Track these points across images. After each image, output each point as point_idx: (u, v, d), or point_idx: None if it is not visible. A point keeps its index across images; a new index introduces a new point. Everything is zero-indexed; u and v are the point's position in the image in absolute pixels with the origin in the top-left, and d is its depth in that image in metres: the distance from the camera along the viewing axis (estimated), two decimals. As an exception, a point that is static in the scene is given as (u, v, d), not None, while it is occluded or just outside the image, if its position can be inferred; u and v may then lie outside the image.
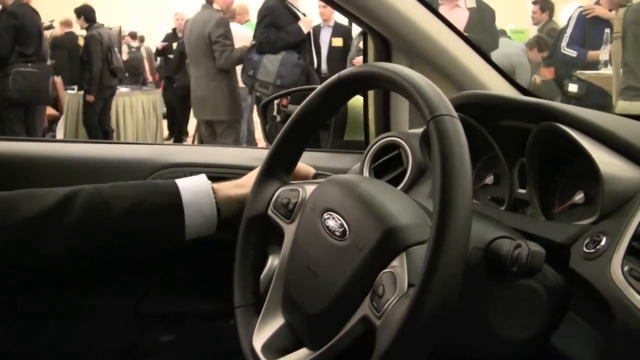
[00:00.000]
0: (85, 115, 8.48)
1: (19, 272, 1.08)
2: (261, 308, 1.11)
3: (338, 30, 7.96)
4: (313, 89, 1.14)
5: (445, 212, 0.79)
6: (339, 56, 7.79)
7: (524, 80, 7.04)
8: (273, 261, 1.40)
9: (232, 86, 6.36)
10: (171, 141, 10.51)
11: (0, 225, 1.06)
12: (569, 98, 6.42)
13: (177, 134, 10.47)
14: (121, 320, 1.49)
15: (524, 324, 0.94)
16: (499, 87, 1.49)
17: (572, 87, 6.23)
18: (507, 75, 1.53)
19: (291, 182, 1.21)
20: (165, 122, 10.58)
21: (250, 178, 1.22)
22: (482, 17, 6.15)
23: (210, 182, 1.22)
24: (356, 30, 7.67)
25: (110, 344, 1.48)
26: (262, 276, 1.28)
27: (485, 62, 1.51)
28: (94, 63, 8.08)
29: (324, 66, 7.53)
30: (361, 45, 7.54)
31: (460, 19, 5.70)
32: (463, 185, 0.80)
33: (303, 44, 5.96)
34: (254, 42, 6.04)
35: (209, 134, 6.75)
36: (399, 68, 0.96)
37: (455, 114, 0.86)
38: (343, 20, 7.64)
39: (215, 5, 6.54)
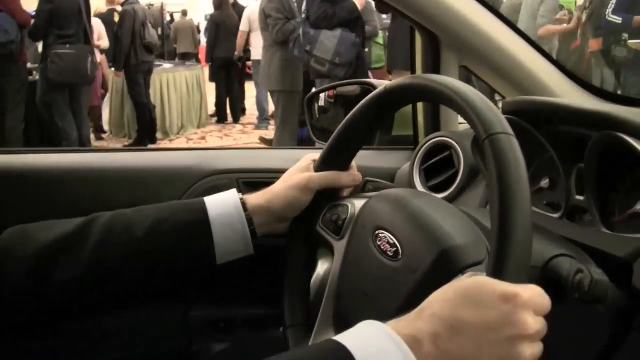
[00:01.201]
0: (131, 92, 8.58)
1: (41, 298, 1.05)
2: (312, 326, 1.09)
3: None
4: (362, 83, 1.11)
5: (504, 235, 0.76)
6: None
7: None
8: (322, 266, 1.38)
9: (285, 57, 6.40)
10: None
11: (19, 254, 1.04)
12: (616, 64, 6.35)
13: (218, 108, 10.50)
14: (170, 329, 1.49)
15: (584, 344, 0.91)
16: (560, 85, 1.44)
17: (620, 52, 6.20)
18: (569, 72, 1.47)
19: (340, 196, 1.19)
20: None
21: (277, 183, 1.17)
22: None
23: (240, 194, 1.15)
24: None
25: (159, 354, 1.48)
26: (312, 281, 1.26)
27: (543, 57, 1.46)
28: (122, 39, 8.19)
29: None
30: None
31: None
32: (522, 208, 0.77)
33: (355, 21, 5.92)
34: (305, 15, 6.02)
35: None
36: (450, 81, 0.92)
37: (510, 131, 0.83)
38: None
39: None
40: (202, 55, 12.36)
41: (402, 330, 0.75)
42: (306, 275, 1.19)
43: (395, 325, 0.76)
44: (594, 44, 6.73)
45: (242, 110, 10.95)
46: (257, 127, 9.75)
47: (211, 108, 10.63)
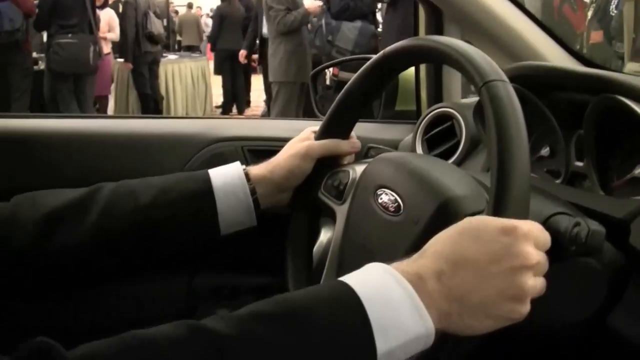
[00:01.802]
0: (136, 84, 8.58)
1: (48, 263, 1.07)
2: None
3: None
4: (362, 59, 1.13)
5: (503, 174, 0.79)
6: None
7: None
8: (325, 234, 1.40)
9: (289, 49, 6.41)
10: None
11: (27, 219, 1.06)
12: (618, 58, 6.47)
13: (225, 98, 10.49)
14: (174, 296, 1.51)
15: (581, 302, 0.92)
16: (557, 57, 1.45)
17: (620, 46, 6.29)
18: (566, 45, 1.49)
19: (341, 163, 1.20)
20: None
21: (279, 154, 1.19)
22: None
23: (243, 166, 1.17)
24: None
25: (163, 320, 1.50)
26: (314, 249, 1.28)
27: (543, 31, 1.47)
28: (126, 29, 8.21)
29: (265, 30, 7.47)
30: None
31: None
32: (520, 147, 0.80)
33: (373, 15, 6.04)
34: (323, 6, 6.13)
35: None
36: (445, 39, 0.95)
37: (506, 78, 0.85)
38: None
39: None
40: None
41: (406, 269, 0.77)
42: (309, 241, 1.22)
43: (399, 266, 0.78)
44: (596, 36, 6.83)
45: (247, 103, 10.94)
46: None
47: (216, 100, 10.62)
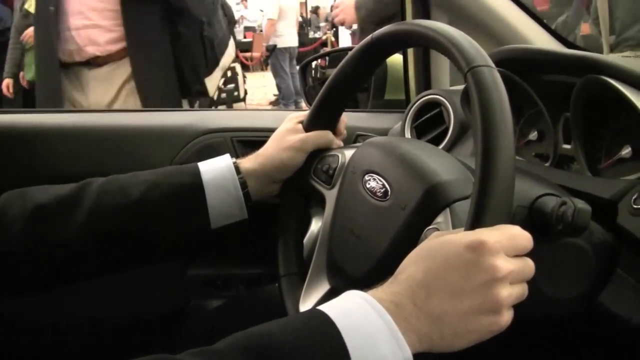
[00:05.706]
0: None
1: (38, 259, 1.06)
2: (306, 275, 1.11)
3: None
4: (348, 49, 1.12)
5: (488, 161, 0.78)
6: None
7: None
8: (316, 224, 1.40)
9: None
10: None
11: (16, 214, 1.05)
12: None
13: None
14: (168, 289, 1.51)
15: (571, 282, 0.93)
16: (542, 40, 1.45)
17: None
18: (550, 28, 1.49)
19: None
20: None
21: (270, 146, 1.18)
22: None
23: (234, 159, 1.16)
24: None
25: (157, 310, 1.50)
26: (305, 240, 1.28)
27: (527, 15, 1.47)
28: None
29: None
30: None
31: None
32: (504, 133, 0.78)
33: None
34: None
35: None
36: (432, 23, 0.94)
37: (492, 64, 0.84)
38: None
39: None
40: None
41: (382, 296, 0.76)
42: (299, 230, 1.21)
43: (375, 293, 0.77)
44: (585, 29, 7.00)
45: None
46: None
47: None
